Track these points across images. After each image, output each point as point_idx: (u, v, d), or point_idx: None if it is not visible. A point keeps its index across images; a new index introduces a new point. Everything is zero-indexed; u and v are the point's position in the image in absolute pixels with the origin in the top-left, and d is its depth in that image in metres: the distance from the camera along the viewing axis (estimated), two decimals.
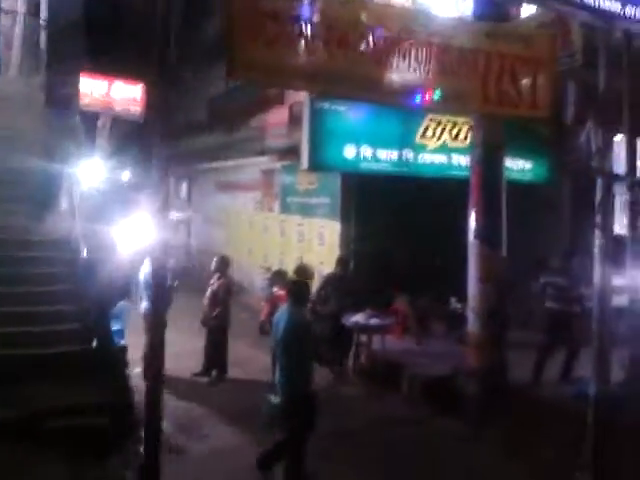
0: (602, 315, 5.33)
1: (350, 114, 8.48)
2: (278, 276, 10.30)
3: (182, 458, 5.54)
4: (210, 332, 7.73)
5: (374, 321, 7.74)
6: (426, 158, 9.03)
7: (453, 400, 6.77)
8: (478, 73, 4.66)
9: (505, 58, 4.75)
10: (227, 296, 7.71)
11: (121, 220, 7.57)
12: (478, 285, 6.66)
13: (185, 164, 17.12)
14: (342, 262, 8.65)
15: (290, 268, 10.43)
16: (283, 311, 5.07)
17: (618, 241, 5.41)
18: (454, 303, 8.48)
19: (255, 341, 9.77)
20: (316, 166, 8.46)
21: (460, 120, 8.95)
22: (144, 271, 7.75)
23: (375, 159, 8.70)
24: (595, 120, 5.56)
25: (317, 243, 10.33)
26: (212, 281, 7.80)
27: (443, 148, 9.05)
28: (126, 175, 11.02)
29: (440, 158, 9.08)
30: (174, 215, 12.81)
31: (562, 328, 7.34)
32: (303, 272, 10.16)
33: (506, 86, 4.73)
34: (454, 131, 9.08)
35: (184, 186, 18.44)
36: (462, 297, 7.45)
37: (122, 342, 6.49)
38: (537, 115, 5.03)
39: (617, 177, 5.48)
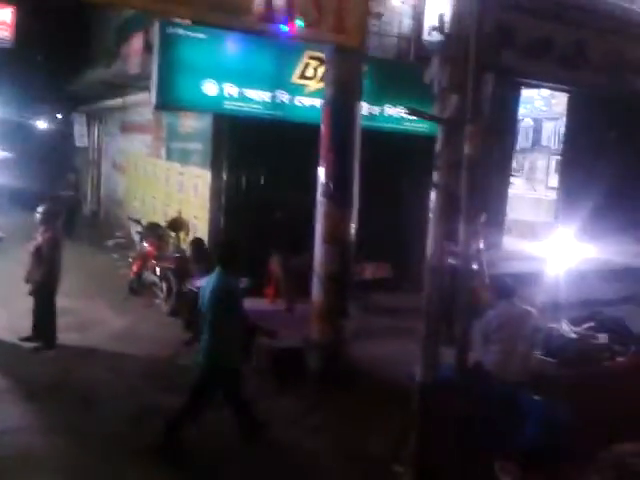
0: (432, 290, 4.54)
1: (212, 44, 7.27)
2: (149, 230, 9.32)
3: None
4: (35, 293, 6.73)
5: None
6: (305, 101, 7.96)
7: (299, 375, 6.05)
8: None
9: None
10: (53, 252, 6.68)
11: None
12: (322, 247, 5.81)
13: (92, 102, 15.64)
14: (195, 245, 7.76)
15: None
16: (212, 275, 4.77)
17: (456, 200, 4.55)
18: None
19: (118, 302, 8.83)
20: (167, 103, 7.26)
21: None
22: None
23: (242, 99, 7.56)
24: (441, 54, 4.60)
25: (192, 195, 9.30)
26: (37, 235, 6.74)
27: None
28: None
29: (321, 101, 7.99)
30: None
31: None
32: (177, 226, 9.23)
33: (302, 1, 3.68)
34: None
35: (95, 126, 16.99)
36: None
37: None
38: (343, 42, 4.02)
39: (460, 124, 4.56)
